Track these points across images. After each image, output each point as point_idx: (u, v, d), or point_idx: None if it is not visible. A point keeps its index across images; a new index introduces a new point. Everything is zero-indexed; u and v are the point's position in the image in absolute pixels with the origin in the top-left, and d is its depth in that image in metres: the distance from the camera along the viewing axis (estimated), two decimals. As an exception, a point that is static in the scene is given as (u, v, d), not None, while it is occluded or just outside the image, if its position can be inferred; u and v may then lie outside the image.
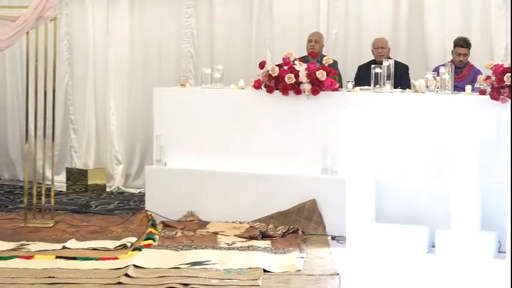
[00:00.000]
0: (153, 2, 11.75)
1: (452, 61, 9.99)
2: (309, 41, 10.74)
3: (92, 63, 11.94)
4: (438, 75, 8.98)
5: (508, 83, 8.37)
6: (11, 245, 8.29)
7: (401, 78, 9.66)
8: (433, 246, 8.24)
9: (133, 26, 11.85)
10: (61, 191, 11.35)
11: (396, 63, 9.56)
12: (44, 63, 9.23)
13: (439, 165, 8.51)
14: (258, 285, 6.96)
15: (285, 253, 8.00)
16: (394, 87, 9.24)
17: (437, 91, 8.94)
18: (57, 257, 7.83)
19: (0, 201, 10.91)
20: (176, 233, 8.86)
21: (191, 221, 9.26)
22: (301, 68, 9.14)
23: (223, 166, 9.39)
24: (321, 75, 9.05)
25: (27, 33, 9.13)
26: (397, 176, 8.78)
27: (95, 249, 8.12)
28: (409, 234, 8.27)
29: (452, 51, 10.26)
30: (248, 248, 8.24)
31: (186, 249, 8.13)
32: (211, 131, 9.55)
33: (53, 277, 7.19)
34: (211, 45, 11.62)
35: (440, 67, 9.19)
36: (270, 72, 9.20)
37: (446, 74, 8.89)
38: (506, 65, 8.63)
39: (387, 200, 8.63)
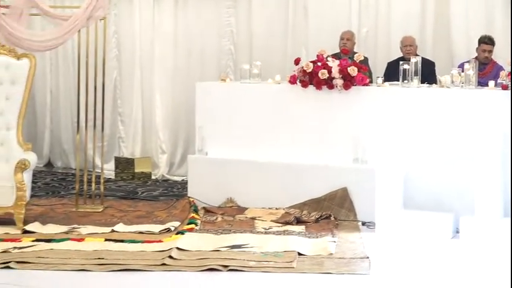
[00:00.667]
0: (196, 2, 11.77)
1: (476, 58, 9.92)
2: (341, 39, 10.72)
3: (139, 60, 11.98)
4: (463, 71, 8.94)
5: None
6: (64, 228, 8.36)
7: (428, 74, 9.59)
8: (458, 232, 8.20)
9: (177, 25, 11.88)
10: (110, 178, 11.40)
11: (423, 59, 9.51)
12: (94, 60, 9.29)
13: (463, 155, 8.48)
14: (293, 267, 6.98)
15: (318, 237, 8.00)
16: (421, 83, 9.20)
17: (462, 86, 8.89)
18: (106, 240, 7.89)
19: (53, 187, 10.99)
20: (216, 218, 8.88)
21: (230, 207, 9.28)
22: (333, 64, 9.13)
23: (260, 156, 9.40)
24: (353, 71, 9.05)
25: (79, 32, 9.19)
26: (424, 166, 8.75)
27: (141, 232, 8.17)
28: (435, 220, 8.24)
29: (477, 48, 10.20)
30: (284, 232, 8.26)
31: (225, 233, 8.16)
32: (249, 123, 9.55)
33: (102, 258, 7.24)
34: (250, 43, 11.63)
35: (465, 63, 9.16)
36: (305, 68, 9.21)
37: (471, 70, 8.84)
38: (527, 61, 8.62)
39: (414, 188, 8.61)
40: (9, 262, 7.09)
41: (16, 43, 9.08)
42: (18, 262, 7.11)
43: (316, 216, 8.75)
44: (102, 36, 9.22)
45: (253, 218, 8.83)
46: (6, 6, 9.11)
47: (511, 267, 6.08)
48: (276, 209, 9.08)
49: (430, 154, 8.74)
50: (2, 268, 7.00)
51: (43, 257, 7.26)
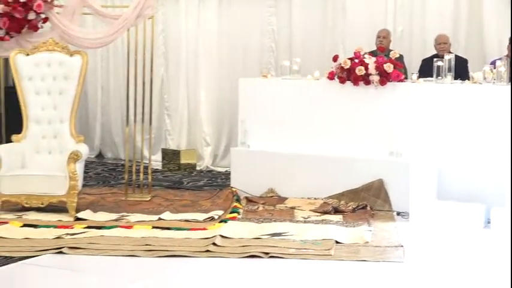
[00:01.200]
0: (239, 2, 11.77)
1: (508, 55, 9.82)
2: (378, 37, 10.68)
3: (185, 57, 12.01)
4: (495, 68, 8.86)
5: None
6: (114, 216, 8.41)
7: (460, 70, 9.52)
8: (489, 222, 8.14)
9: (221, 24, 11.89)
10: (157, 169, 11.44)
11: (456, 57, 9.44)
12: (143, 57, 9.32)
13: (494, 148, 8.42)
14: (331, 255, 6.97)
15: (354, 226, 7.98)
16: (454, 79, 9.14)
17: (493, 82, 8.81)
18: (153, 227, 7.92)
19: (104, 177, 11.06)
20: (258, 207, 8.88)
21: (271, 197, 9.27)
22: (370, 61, 9.10)
23: (300, 148, 9.39)
24: (388, 67, 9.01)
25: (128, 30, 9.23)
26: (457, 159, 8.70)
27: (186, 220, 8.20)
28: (467, 211, 8.17)
29: (508, 46, 10.10)
30: (322, 221, 8.25)
31: (266, 222, 8.16)
32: (289, 117, 9.55)
33: (150, 244, 7.28)
34: (290, 41, 11.60)
35: (497, 60, 9.09)
36: (343, 65, 9.18)
37: (502, 67, 8.76)
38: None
39: (448, 180, 8.57)
40: (62, 248, 7.15)
41: (69, 41, 9.14)
42: (70, 248, 7.17)
43: (353, 206, 8.73)
44: (150, 34, 9.24)
45: (293, 208, 8.82)
46: (60, 6, 9.17)
47: (511, 266, 5.98)
48: (315, 199, 9.06)
49: (463, 147, 8.70)
50: (55, 253, 7.07)
51: (94, 243, 7.31)
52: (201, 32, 11.89)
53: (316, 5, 11.49)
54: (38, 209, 8.44)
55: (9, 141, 9.06)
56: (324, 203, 8.88)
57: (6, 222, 8.03)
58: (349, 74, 9.19)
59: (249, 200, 9.18)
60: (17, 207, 8.51)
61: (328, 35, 11.44)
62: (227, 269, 6.73)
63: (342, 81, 9.26)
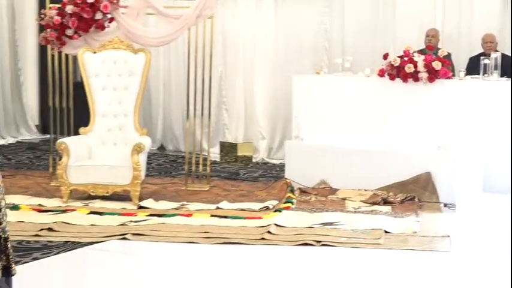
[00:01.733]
0: (293, 2, 11.75)
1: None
2: (427, 35, 10.60)
3: (242, 55, 12.04)
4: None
5: None
6: (174, 204, 8.47)
7: (506, 68, 9.41)
8: (533, 215, 8.06)
9: (276, 24, 11.88)
10: (215, 160, 11.48)
11: (503, 55, 9.36)
12: (202, 55, 9.36)
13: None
14: (380, 244, 6.96)
15: (403, 217, 7.94)
16: (500, 76, 9.05)
17: (539, 79, 8.74)
18: (211, 216, 7.96)
19: (165, 168, 11.13)
20: (311, 198, 8.88)
21: (323, 188, 9.26)
22: (419, 59, 9.04)
23: (351, 142, 9.36)
24: (437, 65, 8.94)
25: (189, 29, 9.28)
26: (502, 153, 8.62)
27: (243, 209, 8.22)
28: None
29: None
30: (371, 212, 8.22)
31: (318, 212, 8.15)
32: (341, 112, 9.54)
33: (208, 232, 7.31)
34: (342, 39, 11.56)
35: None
36: (393, 63, 9.14)
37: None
38: None
39: (494, 173, 8.51)
40: (126, 234, 7.23)
41: (133, 39, 9.22)
42: (134, 234, 7.24)
43: (402, 198, 8.68)
44: (209, 34, 9.28)
45: (344, 199, 8.80)
46: (125, 7, 9.25)
47: (511, 267, 5.88)
48: (365, 190, 9.02)
49: (508, 142, 8.61)
50: (120, 239, 7.15)
51: (156, 230, 7.38)
52: (258, 31, 11.90)
53: (367, 5, 11.42)
54: (104, 198, 8.54)
55: (77, 133, 9.17)
56: (374, 194, 8.84)
57: (74, 210, 8.14)
58: (398, 71, 9.14)
59: (302, 191, 9.17)
60: (84, 195, 8.62)
61: (378, 34, 11.38)
62: (281, 256, 6.74)
63: (392, 78, 9.22)
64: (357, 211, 8.26)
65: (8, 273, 4.69)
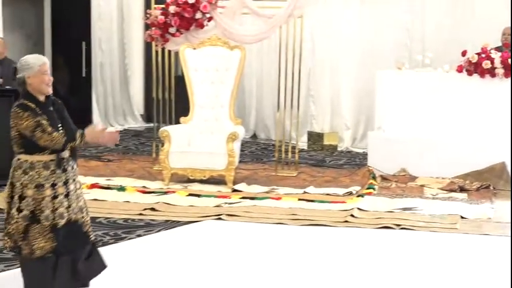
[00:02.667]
0: (378, 2, 11.60)
1: None
2: (503, 34, 10.30)
3: (328, 51, 11.95)
4: None
5: None
6: (265, 188, 8.49)
7: None
8: None
9: (361, 22, 11.74)
10: (303, 149, 11.45)
11: None
12: (292, 51, 9.35)
13: None
14: (456, 228, 6.88)
15: (478, 204, 7.80)
16: None
17: None
18: (299, 199, 7.96)
19: (257, 155, 11.16)
20: (391, 184, 8.79)
21: (403, 175, 9.14)
22: (496, 56, 8.85)
23: (430, 133, 9.23)
24: (513, 61, 8.76)
25: (280, 27, 9.26)
26: None
27: (328, 194, 8.20)
28: None
29: None
30: (448, 198, 8.11)
31: (398, 198, 8.07)
32: (420, 105, 9.40)
33: (296, 214, 7.33)
34: (423, 37, 11.34)
35: None
36: (470, 59, 8.97)
37: None
38: None
39: None
40: (221, 215, 7.30)
41: (230, 37, 9.26)
42: (228, 215, 7.30)
43: (477, 186, 8.52)
44: (299, 31, 9.25)
45: (423, 186, 8.69)
46: (223, 7, 9.29)
47: (511, 268, 5.65)
48: (443, 178, 8.87)
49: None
50: (215, 219, 7.21)
51: (248, 212, 7.42)
52: (344, 29, 11.79)
53: (447, 4, 11.20)
54: (201, 181, 8.62)
55: (178, 122, 9.27)
56: (451, 182, 8.70)
57: (174, 192, 8.24)
58: (476, 67, 8.97)
59: (384, 178, 9.08)
60: (183, 179, 8.71)
61: (457, 32, 11.13)
62: (363, 238, 6.71)
63: (470, 73, 9.04)
64: (434, 197, 8.15)
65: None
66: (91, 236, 4.88)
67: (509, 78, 8.81)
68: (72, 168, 4.72)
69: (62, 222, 4.61)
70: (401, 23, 11.46)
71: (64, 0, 12.84)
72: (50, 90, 4.67)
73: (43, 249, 4.55)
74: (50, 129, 4.51)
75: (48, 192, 4.56)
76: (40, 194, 4.54)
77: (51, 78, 4.67)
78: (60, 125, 4.62)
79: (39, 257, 4.57)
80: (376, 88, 9.86)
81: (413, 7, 11.39)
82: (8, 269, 5.58)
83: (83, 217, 4.79)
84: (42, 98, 4.63)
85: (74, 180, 4.73)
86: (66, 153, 4.65)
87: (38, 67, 4.60)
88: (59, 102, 4.79)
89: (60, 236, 4.59)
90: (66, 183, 4.65)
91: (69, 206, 4.67)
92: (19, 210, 4.56)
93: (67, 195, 4.65)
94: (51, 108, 4.67)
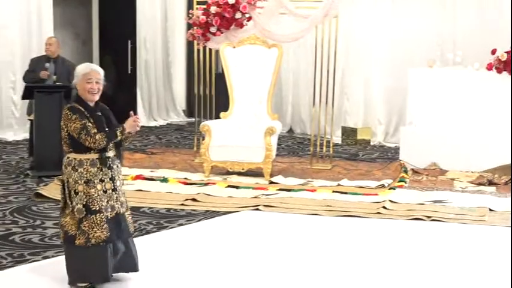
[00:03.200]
0: (409, 1, 11.50)
1: None
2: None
3: (362, 50, 11.86)
4: None
5: None
6: (301, 181, 8.48)
7: None
8: None
9: (393, 20, 11.64)
10: (337, 143, 11.42)
11: None
12: (327, 50, 9.31)
13: None
14: (485, 220, 6.84)
15: (506, 197, 7.72)
16: None
17: None
18: (333, 191, 7.95)
19: (293, 149, 11.15)
20: (422, 177, 8.73)
21: (434, 169, 9.08)
22: (525, 54, 8.77)
23: (460, 128, 9.18)
24: (541, 60, 8.65)
25: (316, 27, 9.24)
26: None
27: (361, 187, 8.16)
28: None
29: None
30: (477, 191, 8.04)
31: (429, 190, 8.01)
32: (451, 102, 9.35)
33: (330, 205, 7.32)
34: (453, 35, 11.22)
35: None
36: (500, 57, 8.90)
37: None
38: None
39: None
40: (259, 205, 7.31)
41: (268, 36, 9.25)
42: (265, 206, 7.31)
43: (506, 180, 8.42)
44: (334, 31, 9.21)
45: (453, 179, 8.62)
46: (261, 7, 9.29)
47: (511, 268, 5.53)
48: (472, 172, 8.80)
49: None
50: (253, 210, 7.23)
51: (284, 203, 7.42)
52: (377, 28, 11.72)
53: (477, 6, 11.06)
54: (239, 173, 8.63)
55: (218, 117, 9.30)
56: (480, 175, 8.62)
57: (214, 183, 8.27)
58: (505, 65, 8.89)
59: (415, 172, 9.02)
60: (223, 171, 8.74)
61: (487, 31, 10.99)
62: (394, 229, 6.69)
63: (499, 71, 8.98)
64: (464, 190, 8.08)
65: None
66: (132, 229, 5.08)
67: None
68: (117, 166, 4.96)
69: (113, 214, 4.86)
70: (433, 22, 11.34)
71: (111, 1, 12.94)
72: (93, 98, 4.86)
73: (98, 239, 4.79)
74: (93, 131, 4.73)
75: (98, 187, 4.80)
76: (90, 189, 4.77)
77: (95, 87, 4.83)
78: (106, 128, 4.82)
79: (93, 246, 4.80)
80: (407, 85, 9.81)
81: (444, 7, 11.27)
82: (58, 255, 5.66)
83: (126, 211, 5.01)
84: (91, 103, 4.86)
85: (119, 177, 4.96)
86: (111, 153, 4.89)
87: (81, 75, 4.85)
88: (107, 108, 4.99)
89: (111, 226, 4.83)
90: (112, 179, 4.88)
91: (117, 200, 4.90)
92: (73, 204, 4.78)
93: (114, 190, 4.88)
94: (99, 113, 4.87)
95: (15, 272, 5.33)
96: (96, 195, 4.77)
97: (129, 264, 5.08)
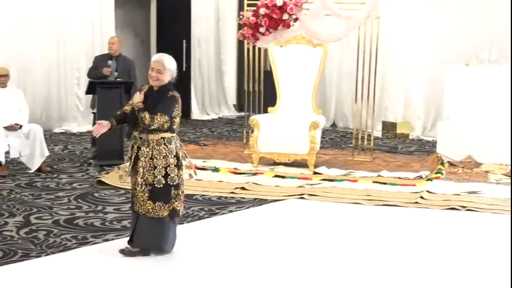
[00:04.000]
0: (449, 2, 11.34)
1: None
2: None
3: (402, 49, 11.75)
4: None
5: None
6: (343, 171, 8.46)
7: None
8: None
9: (432, 19, 11.47)
10: (378, 137, 11.35)
11: None
12: (369, 49, 9.25)
13: None
14: (518, 211, 6.73)
15: (539, 189, 7.60)
16: None
17: None
18: (373, 182, 7.91)
19: (336, 142, 11.12)
20: (458, 170, 8.63)
21: (469, 162, 8.96)
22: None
23: (495, 123, 9.05)
24: None
25: (359, 27, 9.18)
26: None
27: (399, 178, 8.11)
28: None
29: None
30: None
31: (464, 182, 7.93)
32: (486, 97, 9.22)
33: (370, 195, 7.29)
34: (489, 35, 11.03)
35: None
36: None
37: None
38: None
39: None
40: (303, 194, 7.32)
41: (313, 36, 9.22)
42: (309, 195, 7.31)
43: (539, 172, 8.31)
44: (375, 31, 9.14)
45: (487, 171, 8.50)
46: (307, 9, 9.26)
47: (511, 268, 5.38)
48: (506, 165, 8.67)
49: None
50: (298, 198, 7.24)
51: (327, 192, 7.42)
52: (416, 28, 11.59)
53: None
54: (285, 164, 8.64)
55: (266, 112, 9.32)
56: (514, 168, 8.52)
57: (262, 173, 8.30)
58: (539, 63, 8.75)
59: (451, 164, 8.92)
60: (270, 162, 8.76)
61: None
62: (431, 218, 6.65)
63: (533, 69, 8.84)
64: (498, 182, 7.97)
65: (174, 215, 5.26)
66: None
67: None
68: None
69: (183, 189, 5.27)
70: (469, 22, 11.17)
71: (168, 3, 13.04)
72: (151, 83, 5.19)
73: (180, 211, 5.23)
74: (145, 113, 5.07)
75: (173, 161, 5.12)
76: (171, 164, 5.12)
77: (152, 75, 5.15)
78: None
79: (174, 217, 5.23)
80: (445, 82, 9.70)
81: (481, 8, 11.10)
82: (117, 238, 5.74)
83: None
84: (154, 88, 5.20)
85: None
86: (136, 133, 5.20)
87: (151, 64, 5.21)
88: (162, 93, 5.18)
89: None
90: (183, 157, 5.26)
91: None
92: (156, 178, 5.09)
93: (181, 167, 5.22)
94: (155, 96, 5.16)
95: (80, 252, 5.43)
96: (174, 170, 5.16)
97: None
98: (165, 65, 5.12)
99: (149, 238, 5.21)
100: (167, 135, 5.13)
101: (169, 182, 5.10)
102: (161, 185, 5.08)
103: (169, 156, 5.11)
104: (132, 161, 5.14)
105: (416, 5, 11.60)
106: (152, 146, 5.08)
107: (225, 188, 7.57)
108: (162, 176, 5.08)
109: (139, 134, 5.13)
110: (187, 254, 5.35)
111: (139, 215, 5.18)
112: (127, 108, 5.25)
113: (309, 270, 5.14)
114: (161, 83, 5.14)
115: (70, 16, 11.40)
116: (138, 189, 5.12)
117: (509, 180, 8.00)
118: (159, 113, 5.03)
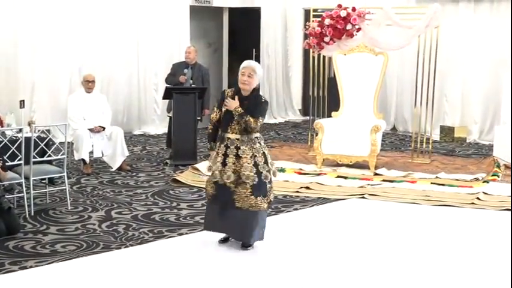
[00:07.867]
0: (507, 8, 11.03)
1: None
2: None
3: (460, 56, 11.52)
4: None
5: None
6: (402, 173, 8.35)
7: None
8: None
9: (490, 26, 11.19)
10: (436, 140, 11.16)
11: None
12: (429, 56, 9.11)
13: None
14: None
15: None
16: None
17: None
18: (431, 183, 7.80)
19: (396, 145, 10.95)
20: (514, 172, 8.43)
21: (525, 165, 8.75)
22: None
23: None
24: None
25: (419, 36, 9.05)
26: None
27: (457, 179, 7.96)
28: None
29: None
30: None
31: (521, 184, 7.73)
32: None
33: (428, 196, 7.20)
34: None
35: None
36: None
37: None
38: None
39: None
40: (364, 194, 7.27)
41: (375, 44, 9.14)
42: (370, 194, 7.26)
43: None
44: (435, 39, 8.99)
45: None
46: (370, 19, 9.18)
47: (511, 268, 5.10)
48: (562, 168, 8.43)
49: None
50: (359, 198, 7.19)
51: (387, 192, 7.36)
52: (474, 36, 11.34)
53: None
54: (348, 165, 8.59)
55: (329, 116, 9.29)
56: None
57: (325, 174, 8.27)
58: None
59: (507, 167, 8.69)
60: (333, 163, 8.71)
61: None
62: (487, 218, 6.55)
63: None
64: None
65: (269, 206, 5.51)
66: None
67: None
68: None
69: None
70: (500, 26, 10.86)
71: (239, 14, 13.13)
72: (243, 87, 5.38)
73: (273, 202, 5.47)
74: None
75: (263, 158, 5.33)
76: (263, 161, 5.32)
77: (243, 79, 5.38)
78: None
79: (268, 208, 5.48)
80: (502, 88, 9.47)
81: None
82: (191, 233, 5.81)
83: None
84: (244, 92, 5.37)
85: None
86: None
87: (240, 70, 5.44)
88: (257, 98, 5.39)
89: None
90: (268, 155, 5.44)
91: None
92: (262, 174, 5.28)
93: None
94: (250, 100, 5.33)
95: (156, 245, 5.52)
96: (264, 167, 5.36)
97: None
98: (256, 70, 5.31)
99: (252, 230, 5.29)
100: (258, 135, 5.32)
101: (263, 178, 5.28)
102: (268, 180, 5.29)
103: (259, 154, 5.29)
104: (222, 159, 5.27)
105: (475, 13, 11.36)
106: (251, 146, 5.23)
107: (291, 187, 7.58)
108: (267, 171, 5.29)
109: (234, 135, 5.24)
110: (258, 248, 5.37)
111: (235, 210, 5.24)
112: (213, 117, 5.45)
113: (368, 265, 5.11)
114: (251, 87, 5.34)
115: (149, 28, 11.60)
116: (247, 184, 5.22)
117: None
118: (260, 117, 5.25)
